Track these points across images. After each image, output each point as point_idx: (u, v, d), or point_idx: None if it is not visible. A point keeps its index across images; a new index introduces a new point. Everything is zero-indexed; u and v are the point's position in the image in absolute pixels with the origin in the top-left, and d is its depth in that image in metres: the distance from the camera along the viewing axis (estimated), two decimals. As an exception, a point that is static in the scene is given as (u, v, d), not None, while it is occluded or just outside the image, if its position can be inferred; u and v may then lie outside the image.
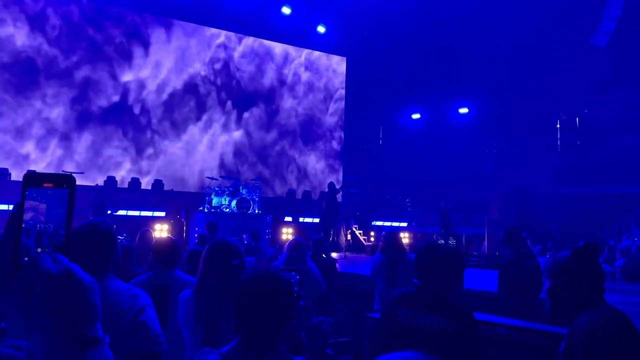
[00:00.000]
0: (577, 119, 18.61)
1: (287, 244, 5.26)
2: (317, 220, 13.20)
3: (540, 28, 15.39)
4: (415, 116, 19.94)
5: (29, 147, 14.44)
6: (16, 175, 13.20)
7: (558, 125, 18.99)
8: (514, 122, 17.27)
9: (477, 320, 2.46)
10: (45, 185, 0.95)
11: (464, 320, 2.43)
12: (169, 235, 11.78)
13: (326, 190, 12.41)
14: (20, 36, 14.47)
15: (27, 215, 0.94)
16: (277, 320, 1.73)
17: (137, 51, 16.30)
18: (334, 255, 11.51)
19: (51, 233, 0.94)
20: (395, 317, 2.56)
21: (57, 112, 14.90)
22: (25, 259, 0.91)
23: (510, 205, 14.41)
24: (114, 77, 15.83)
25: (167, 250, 3.62)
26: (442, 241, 13.55)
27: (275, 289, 1.76)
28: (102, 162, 15.40)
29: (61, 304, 0.87)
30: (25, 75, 14.49)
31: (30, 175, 0.95)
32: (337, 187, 12.54)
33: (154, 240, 7.00)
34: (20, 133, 14.35)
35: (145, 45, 16.44)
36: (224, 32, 17.88)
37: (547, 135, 18.52)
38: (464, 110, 18.82)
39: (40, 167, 14.35)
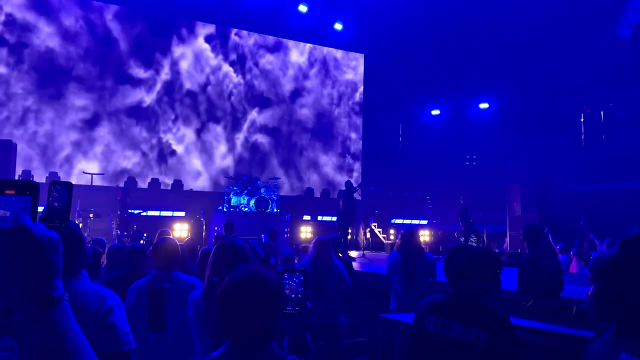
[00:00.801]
0: (602, 112, 18.20)
1: (312, 242, 5.24)
2: (335, 218, 13.14)
3: (562, 19, 15.07)
4: (435, 112, 19.73)
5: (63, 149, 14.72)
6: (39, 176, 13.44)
7: (582, 120, 18.59)
8: (536, 117, 16.95)
9: (516, 331, 2.20)
10: (7, 192, 0.92)
11: (499, 332, 2.17)
12: (190, 235, 11.88)
13: (344, 188, 12.34)
14: (51, 40, 14.73)
15: None
16: (264, 320, 1.67)
17: (157, 52, 16.44)
18: (353, 253, 11.46)
19: None
20: (423, 326, 2.36)
21: (84, 115, 15.14)
22: None
23: (532, 202, 14.17)
24: (134, 78, 16.00)
25: (165, 253, 3.58)
26: (463, 239, 13.40)
27: (260, 288, 1.69)
28: (122, 163, 15.58)
29: (14, 261, 0.83)
30: (54, 78, 14.77)
31: None
32: (355, 185, 12.46)
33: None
34: (51, 136, 14.62)
35: (165, 46, 16.57)
36: (242, 32, 17.93)
37: (571, 129, 18.15)
38: (484, 106, 18.56)
39: (62, 169, 14.61)
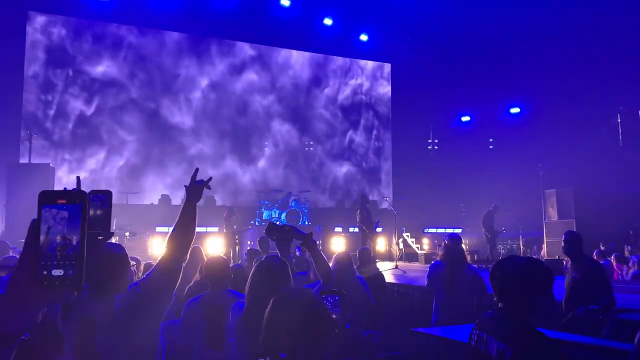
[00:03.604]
0: (639, 111, 17.64)
1: (333, 257, 5.12)
2: (357, 230, 13.17)
3: (591, 18, 14.73)
4: (465, 119, 19.50)
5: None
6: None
7: (618, 119, 18.06)
8: (569, 119, 16.56)
9: (550, 349, 2.06)
10: (59, 201, 1.00)
11: (526, 348, 2.06)
12: (224, 251, 11.98)
13: (360, 201, 12.43)
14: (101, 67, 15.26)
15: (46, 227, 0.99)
16: (312, 342, 1.67)
17: (185, 70, 16.79)
18: (387, 265, 11.36)
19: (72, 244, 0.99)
20: (470, 340, 2.33)
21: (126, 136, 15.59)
22: (44, 272, 0.96)
23: (569, 206, 13.80)
24: (169, 95, 16.38)
25: (218, 270, 3.64)
26: (489, 245, 13.19)
27: (309, 309, 1.70)
28: (155, 181, 15.90)
29: None
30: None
31: (45, 193, 1.00)
32: (361, 200, 12.46)
33: (203, 256, 7.13)
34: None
35: (193, 64, 16.91)
36: (268, 46, 18.15)
37: (607, 130, 17.64)
38: (515, 110, 18.26)
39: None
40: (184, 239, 2.37)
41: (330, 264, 5.32)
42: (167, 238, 2.36)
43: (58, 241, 0.98)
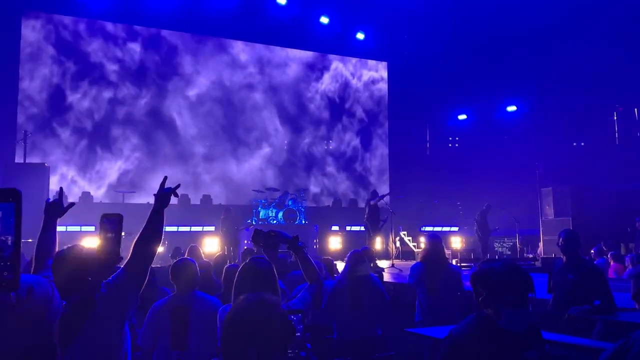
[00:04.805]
0: (636, 109, 17.69)
1: (347, 256, 5.21)
2: (363, 228, 13.10)
3: (588, 16, 14.74)
4: (462, 117, 19.51)
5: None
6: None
7: (615, 118, 18.09)
8: (566, 118, 16.59)
9: None
10: None
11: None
12: (220, 250, 11.97)
13: (370, 198, 12.31)
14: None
15: None
16: (268, 355, 1.61)
17: (182, 69, 16.76)
18: (383, 264, 11.36)
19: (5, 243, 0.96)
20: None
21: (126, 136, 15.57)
22: None
23: (565, 205, 13.82)
24: (166, 95, 16.35)
25: (184, 273, 3.65)
26: (481, 244, 13.22)
27: (268, 319, 1.65)
28: (152, 180, 15.87)
29: None
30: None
31: None
32: (374, 196, 12.27)
33: (201, 255, 7.13)
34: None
35: (189, 63, 16.88)
36: (265, 45, 18.11)
37: (604, 129, 17.68)
38: (512, 108, 18.27)
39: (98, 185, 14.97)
40: (152, 243, 2.45)
41: (344, 262, 5.34)
42: (134, 242, 2.41)
43: None
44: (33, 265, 2.67)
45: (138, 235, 2.42)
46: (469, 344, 1.99)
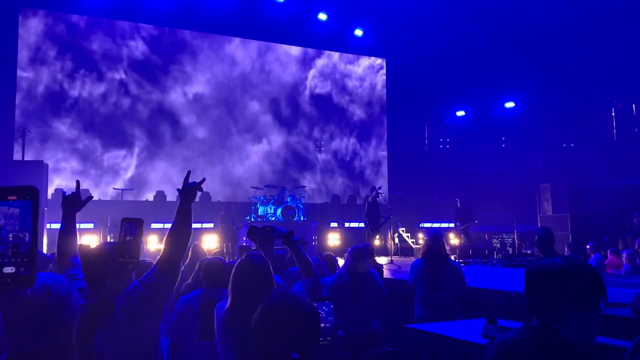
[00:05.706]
0: (634, 105, 17.71)
1: (347, 252, 5.20)
2: (362, 225, 13.11)
3: (587, 11, 14.73)
4: (460, 113, 19.51)
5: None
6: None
7: (613, 114, 18.12)
8: (564, 114, 16.60)
9: None
10: (10, 198, 0.98)
11: None
12: (218, 248, 11.96)
13: (369, 194, 12.31)
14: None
15: None
16: (300, 348, 1.67)
17: (180, 67, 16.73)
18: (382, 260, 11.37)
19: (25, 240, 0.97)
20: None
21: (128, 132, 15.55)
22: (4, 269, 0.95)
23: (563, 200, 13.85)
24: (163, 91, 16.32)
25: (217, 272, 3.78)
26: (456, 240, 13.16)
27: (298, 314, 1.70)
28: (150, 177, 15.87)
29: None
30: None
31: None
32: (371, 193, 12.28)
33: (204, 252, 7.13)
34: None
35: (188, 60, 16.85)
36: (263, 42, 18.08)
37: (602, 124, 17.71)
38: (510, 105, 18.29)
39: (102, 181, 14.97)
40: (182, 239, 2.41)
41: (344, 258, 5.35)
42: (164, 238, 2.40)
43: (10, 239, 0.97)
44: (56, 263, 2.65)
45: (167, 233, 2.41)
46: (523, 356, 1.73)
